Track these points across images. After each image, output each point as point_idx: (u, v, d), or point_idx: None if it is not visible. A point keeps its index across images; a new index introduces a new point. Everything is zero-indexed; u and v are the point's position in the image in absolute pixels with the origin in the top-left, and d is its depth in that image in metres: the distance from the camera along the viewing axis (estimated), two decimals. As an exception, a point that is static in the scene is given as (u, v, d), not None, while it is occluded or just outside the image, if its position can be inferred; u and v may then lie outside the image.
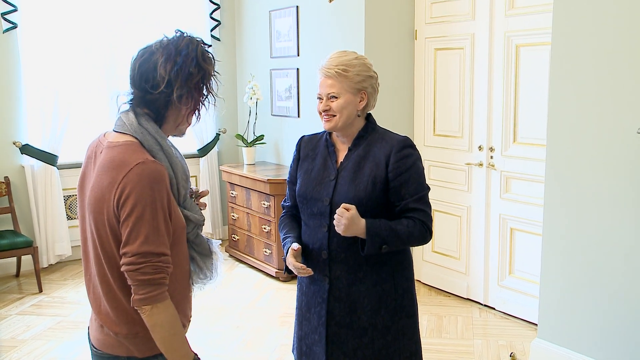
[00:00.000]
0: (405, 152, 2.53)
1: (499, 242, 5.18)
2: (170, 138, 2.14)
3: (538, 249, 4.49)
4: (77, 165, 6.41)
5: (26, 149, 6.20)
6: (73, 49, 6.33)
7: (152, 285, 1.89)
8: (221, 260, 2.31)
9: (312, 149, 2.74)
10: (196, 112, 2.08)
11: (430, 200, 2.61)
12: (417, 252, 5.77)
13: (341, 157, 2.63)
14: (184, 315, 2.14)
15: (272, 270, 6.13)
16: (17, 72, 6.11)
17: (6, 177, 6.12)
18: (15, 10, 5.94)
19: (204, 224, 2.20)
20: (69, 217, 6.59)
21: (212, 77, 2.06)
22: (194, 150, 7.28)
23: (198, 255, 2.20)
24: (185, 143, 7.10)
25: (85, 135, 6.51)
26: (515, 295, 5.07)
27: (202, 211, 2.23)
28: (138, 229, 1.87)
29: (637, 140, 3.32)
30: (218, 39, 7.41)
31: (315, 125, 6.21)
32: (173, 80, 1.95)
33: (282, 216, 2.88)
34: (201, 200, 2.29)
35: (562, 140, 4.07)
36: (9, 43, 6.04)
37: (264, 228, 6.21)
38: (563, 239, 4.13)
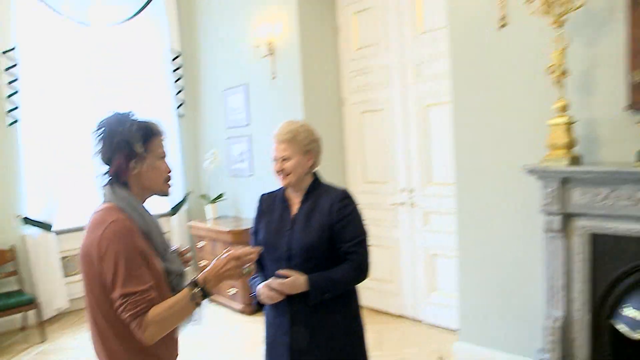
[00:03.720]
0: (344, 202, 2.61)
1: (423, 266, 5.29)
2: (153, 198, 2.20)
3: (454, 269, 4.62)
4: (72, 230, 6.49)
5: (26, 221, 6.18)
6: (65, 135, 6.38)
7: (137, 317, 1.93)
8: (204, 305, 2.27)
9: (269, 205, 2.80)
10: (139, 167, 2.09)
11: (368, 243, 2.64)
12: (358, 280, 5.84)
13: (294, 210, 2.70)
14: (170, 354, 2.18)
15: (238, 306, 6.13)
16: (18, 158, 6.10)
17: (12, 246, 6.07)
18: (16, 109, 6.03)
19: (184, 273, 2.21)
20: (65, 275, 6.50)
21: (137, 142, 2.08)
22: (166, 209, 7.29)
23: None
24: (158, 204, 7.14)
25: (77, 207, 6.61)
26: (438, 308, 5.17)
27: (185, 264, 2.29)
28: (116, 277, 1.94)
29: (522, 176, 3.52)
30: (183, 115, 7.50)
31: (266, 182, 6.35)
32: (112, 154, 2.05)
33: None
34: (186, 255, 2.35)
35: (467, 179, 4.26)
36: (12, 135, 6.07)
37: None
38: (474, 259, 4.29)
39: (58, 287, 6.34)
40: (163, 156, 2.19)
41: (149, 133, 2.13)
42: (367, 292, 5.85)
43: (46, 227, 6.26)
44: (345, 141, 5.95)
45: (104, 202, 2.09)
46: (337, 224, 2.57)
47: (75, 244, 6.39)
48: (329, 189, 2.71)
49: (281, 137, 2.64)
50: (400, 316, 5.55)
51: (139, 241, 2.01)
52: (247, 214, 6.88)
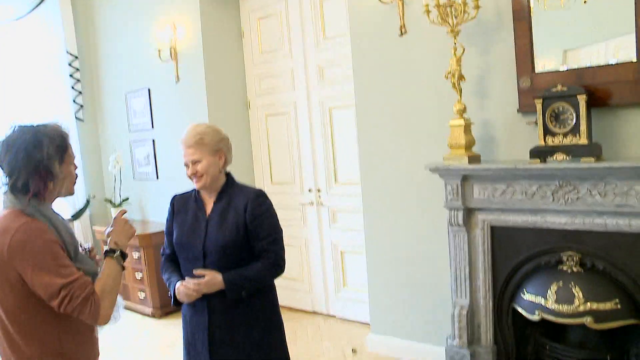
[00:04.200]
0: (259, 201, 2.64)
1: (332, 263, 5.39)
2: (59, 199, 2.15)
3: (363, 264, 4.76)
4: None
5: None
6: None
7: (88, 298, 1.93)
8: (120, 303, 2.26)
9: (183, 205, 2.80)
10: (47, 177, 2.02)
11: (282, 241, 2.70)
12: (268, 279, 5.89)
13: (209, 209, 2.70)
14: (90, 353, 2.14)
15: (148, 310, 6.01)
16: None
17: None
18: None
19: (97, 273, 2.14)
20: None
21: (55, 164, 2.03)
22: (67, 216, 7.02)
23: None
24: (58, 211, 6.85)
25: None
26: (349, 303, 5.30)
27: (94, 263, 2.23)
28: (44, 275, 1.88)
29: (426, 173, 3.70)
30: (82, 120, 7.22)
31: (172, 185, 6.24)
32: (28, 178, 1.98)
33: (163, 261, 2.88)
34: (93, 255, 2.29)
35: (372, 178, 4.41)
36: None
37: (137, 275, 6.09)
38: (382, 255, 4.45)
39: None
40: (73, 160, 2.15)
41: (63, 147, 2.07)
42: (279, 290, 5.79)
43: None
44: (252, 143, 5.96)
45: (5, 207, 2.01)
46: (251, 223, 2.60)
47: None
48: (243, 188, 2.73)
49: (189, 141, 2.62)
50: (313, 312, 5.63)
51: (53, 238, 1.95)
52: (154, 217, 6.74)
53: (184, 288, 2.57)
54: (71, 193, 2.18)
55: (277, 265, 2.66)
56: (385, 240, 4.41)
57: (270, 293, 2.77)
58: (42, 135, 2.01)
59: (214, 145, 2.64)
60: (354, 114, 4.53)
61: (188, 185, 2.90)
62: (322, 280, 5.52)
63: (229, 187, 2.72)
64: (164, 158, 6.44)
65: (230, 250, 2.59)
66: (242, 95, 5.94)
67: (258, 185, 5.87)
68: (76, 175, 2.17)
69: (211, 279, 2.52)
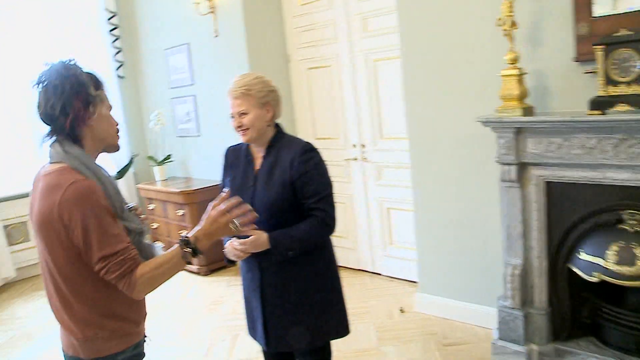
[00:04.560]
0: (306, 156, 2.50)
1: (379, 220, 5.29)
2: (104, 156, 2.06)
3: (410, 222, 4.65)
4: (12, 198, 6.26)
5: None
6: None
7: (123, 277, 1.84)
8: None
9: (235, 158, 2.70)
10: (91, 118, 1.93)
11: (333, 198, 2.56)
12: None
13: (258, 164, 2.60)
14: (139, 313, 2.08)
15: (194, 267, 6.04)
16: None
17: None
18: None
19: (145, 232, 2.10)
20: (9, 244, 6.27)
21: (90, 85, 1.94)
22: (112, 174, 7.04)
23: (143, 260, 2.09)
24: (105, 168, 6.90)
25: (16, 172, 6.35)
26: (397, 261, 5.21)
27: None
28: (90, 240, 1.81)
29: (476, 127, 3.52)
30: (123, 77, 7.20)
31: (214, 141, 6.20)
32: (67, 102, 1.88)
33: None
34: (138, 213, 2.21)
35: (419, 132, 4.24)
36: None
37: (181, 233, 6.11)
38: (430, 210, 4.31)
39: (3, 256, 6.16)
40: (110, 109, 2.06)
41: (98, 81, 2.00)
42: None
43: None
44: (294, 98, 5.83)
45: (52, 162, 1.93)
46: (298, 180, 2.47)
47: (19, 211, 6.26)
48: (291, 142, 2.59)
49: (235, 92, 2.50)
50: (359, 270, 5.57)
51: (104, 200, 1.87)
52: (197, 174, 6.74)
53: (231, 248, 2.52)
54: (115, 146, 2.08)
55: (326, 225, 2.52)
56: (434, 196, 4.27)
57: (324, 252, 2.66)
58: (75, 65, 1.95)
59: (261, 98, 2.51)
60: (399, 66, 4.34)
61: (230, 143, 2.80)
62: (367, 238, 5.43)
63: (278, 141, 2.59)
64: (205, 114, 6.38)
65: (278, 209, 2.48)
66: (282, 49, 5.78)
67: (301, 141, 5.74)
68: (117, 125, 2.08)
69: (256, 239, 2.43)
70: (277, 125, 2.65)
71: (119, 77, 7.15)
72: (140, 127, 7.46)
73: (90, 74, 1.98)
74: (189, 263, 1.99)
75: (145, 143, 7.46)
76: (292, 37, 5.72)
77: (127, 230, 1.99)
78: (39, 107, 1.92)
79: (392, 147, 5.00)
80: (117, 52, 7.11)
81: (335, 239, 5.56)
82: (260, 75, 2.60)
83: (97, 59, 6.84)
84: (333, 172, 5.31)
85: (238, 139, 2.61)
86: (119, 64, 7.15)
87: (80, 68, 1.95)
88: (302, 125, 5.80)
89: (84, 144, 1.95)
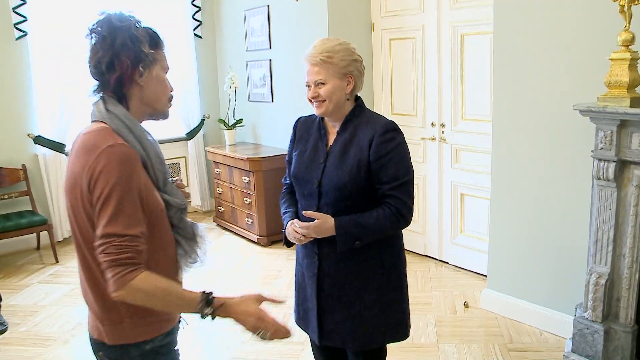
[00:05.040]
0: (387, 136, 2.18)
1: (451, 205, 4.97)
2: (152, 123, 1.84)
3: (485, 210, 4.33)
4: None
5: (38, 140, 5.96)
6: (75, 50, 5.93)
7: (118, 266, 1.55)
8: (207, 243, 1.96)
9: (306, 130, 2.42)
10: (142, 74, 1.71)
11: (412, 186, 2.24)
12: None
13: (331, 140, 2.31)
14: None
15: (254, 237, 5.89)
16: (28, 74, 5.81)
17: (23, 165, 5.87)
18: (25, 20, 5.68)
19: (186, 208, 1.88)
20: None
21: (145, 42, 1.71)
22: (182, 134, 7.00)
23: (183, 239, 1.88)
24: (173, 128, 6.86)
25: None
26: (466, 251, 4.89)
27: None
28: (104, 211, 1.57)
29: (570, 115, 3.13)
30: (200, 37, 7.07)
31: (287, 109, 5.98)
32: (115, 56, 1.67)
33: (282, 192, 2.57)
34: (182, 186, 1.97)
35: (505, 116, 3.88)
36: (21, 49, 5.74)
37: (246, 200, 5.96)
38: (508, 201, 3.96)
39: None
40: (167, 71, 1.83)
41: (155, 39, 1.77)
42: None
43: (58, 147, 6.04)
44: (374, 70, 5.51)
45: (94, 121, 1.72)
46: (375, 162, 2.17)
47: None
48: (371, 118, 2.28)
49: (315, 58, 2.19)
50: (425, 256, 5.27)
51: (139, 174, 1.65)
52: (267, 142, 6.56)
53: (292, 230, 2.28)
54: (164, 114, 1.85)
55: (401, 216, 2.20)
56: (513, 186, 3.90)
57: (393, 246, 2.36)
58: (131, 17, 1.73)
59: (343, 67, 2.21)
60: (489, 41, 3.97)
61: (304, 112, 2.54)
62: (437, 223, 5.11)
63: (356, 116, 2.29)
64: (280, 80, 6.16)
65: (348, 191, 2.20)
66: (366, 17, 5.46)
67: (376, 115, 5.44)
68: (171, 91, 1.85)
69: (321, 224, 2.18)
70: (356, 99, 2.35)
71: (196, 36, 7.01)
72: (215, 89, 7.33)
73: (149, 29, 1.76)
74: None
75: (218, 105, 7.32)
76: (377, 4, 5.38)
77: (167, 204, 1.78)
78: (88, 59, 1.72)
79: (473, 129, 4.64)
80: (197, 11, 6.97)
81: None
82: (345, 41, 2.28)
83: (175, 17, 6.73)
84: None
85: (312, 110, 2.34)
86: (197, 23, 7.01)
87: (137, 22, 1.73)
88: (380, 99, 5.48)
89: (129, 105, 1.75)
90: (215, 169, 6.55)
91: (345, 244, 2.18)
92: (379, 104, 5.47)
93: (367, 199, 2.22)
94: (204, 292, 1.66)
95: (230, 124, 6.75)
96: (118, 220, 1.57)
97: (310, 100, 2.27)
